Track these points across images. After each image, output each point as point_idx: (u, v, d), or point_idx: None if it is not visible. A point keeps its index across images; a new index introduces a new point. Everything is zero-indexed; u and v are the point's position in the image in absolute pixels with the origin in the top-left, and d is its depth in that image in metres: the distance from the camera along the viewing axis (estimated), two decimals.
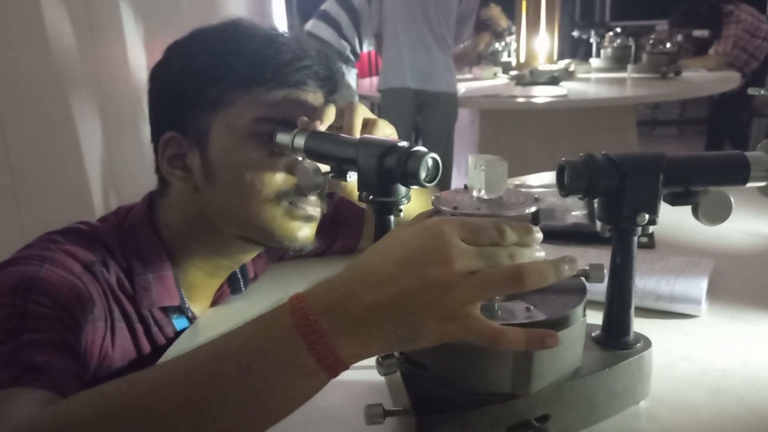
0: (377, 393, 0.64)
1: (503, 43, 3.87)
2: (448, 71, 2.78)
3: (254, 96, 0.75)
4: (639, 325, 0.62)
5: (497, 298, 0.53)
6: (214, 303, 0.89)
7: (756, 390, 0.64)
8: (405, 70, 2.75)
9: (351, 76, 3.00)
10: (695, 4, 3.93)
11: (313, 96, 0.79)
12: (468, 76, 3.60)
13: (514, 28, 3.72)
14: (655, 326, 0.77)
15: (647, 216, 0.57)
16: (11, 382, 0.55)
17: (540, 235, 0.49)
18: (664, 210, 0.58)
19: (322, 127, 0.73)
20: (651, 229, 0.58)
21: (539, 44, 3.47)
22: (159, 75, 0.80)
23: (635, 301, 0.61)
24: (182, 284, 0.81)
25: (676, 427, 0.59)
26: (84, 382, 0.64)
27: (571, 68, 3.30)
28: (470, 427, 0.53)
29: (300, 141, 0.72)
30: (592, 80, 3.31)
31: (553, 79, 3.06)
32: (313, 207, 0.79)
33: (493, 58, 3.86)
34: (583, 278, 0.58)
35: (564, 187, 0.57)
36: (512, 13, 3.70)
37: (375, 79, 3.22)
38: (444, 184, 2.59)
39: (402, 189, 0.65)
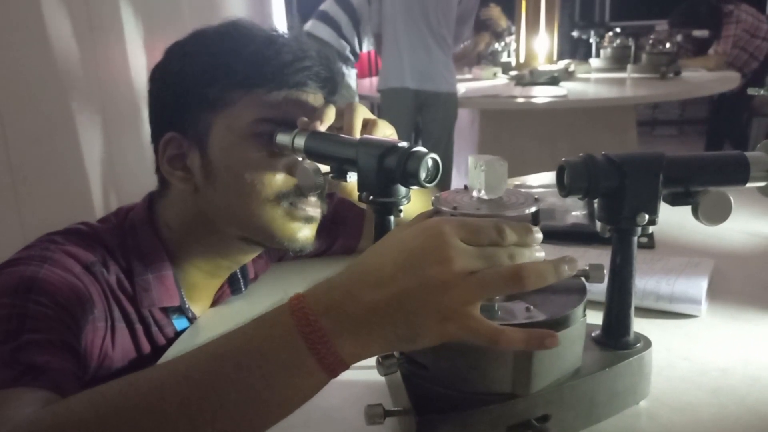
0: (377, 393, 0.64)
1: (503, 44, 3.87)
2: (447, 71, 2.78)
3: (254, 96, 0.75)
4: (639, 325, 0.62)
5: (497, 298, 0.53)
6: (215, 303, 0.89)
7: (756, 390, 0.64)
8: (405, 70, 2.75)
9: (351, 76, 3.00)
10: (695, 4, 3.93)
11: (314, 97, 0.79)
12: (468, 76, 3.60)
13: (513, 28, 3.72)
14: (655, 326, 0.77)
15: (647, 216, 0.57)
16: (11, 383, 0.55)
17: (540, 236, 0.49)
18: (664, 210, 0.58)
19: (322, 128, 0.73)
20: (651, 229, 0.58)
21: (539, 44, 3.47)
22: (159, 75, 0.80)
23: (635, 301, 0.61)
24: (182, 284, 0.81)
25: (676, 427, 0.59)
26: (84, 383, 0.64)
27: (571, 68, 3.30)
28: (470, 427, 0.53)
29: (300, 141, 0.72)
30: (592, 80, 3.31)
31: (553, 80, 3.06)
32: (313, 208, 0.79)
33: (492, 59, 3.86)
34: (583, 278, 0.58)
35: (564, 187, 0.57)
36: (512, 13, 3.70)
37: (375, 80, 3.22)
38: (444, 184, 2.59)
39: (402, 189, 0.65)
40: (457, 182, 3.03)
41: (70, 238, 0.74)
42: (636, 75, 3.31)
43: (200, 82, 0.75)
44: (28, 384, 0.56)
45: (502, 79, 3.40)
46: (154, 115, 0.80)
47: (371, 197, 0.65)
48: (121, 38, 1.38)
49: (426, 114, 2.83)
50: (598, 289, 0.61)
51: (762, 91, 1.97)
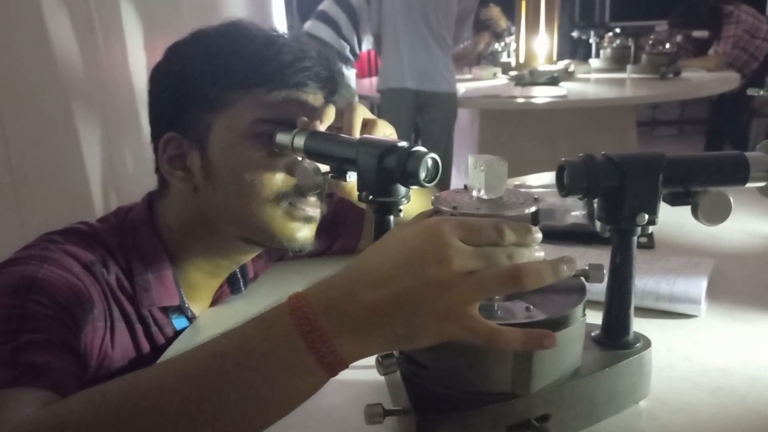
0: (377, 393, 0.64)
1: (503, 44, 3.87)
2: (447, 71, 2.78)
3: (254, 97, 0.75)
4: (639, 325, 0.62)
5: (497, 297, 0.53)
6: (214, 303, 0.89)
7: (756, 390, 0.64)
8: (404, 70, 2.75)
9: (350, 76, 3.00)
10: (695, 4, 3.93)
11: (314, 97, 0.79)
12: (468, 76, 3.60)
13: (513, 29, 3.72)
14: (655, 326, 0.77)
15: (647, 216, 0.57)
16: (11, 383, 0.55)
17: (539, 235, 0.49)
18: (664, 210, 0.58)
19: (322, 127, 0.73)
20: (651, 229, 0.58)
21: (539, 44, 3.47)
22: (159, 76, 0.80)
23: (635, 301, 0.61)
24: (182, 284, 0.81)
25: (676, 427, 0.59)
26: (84, 382, 0.64)
27: (571, 69, 3.30)
28: (470, 427, 0.53)
29: (300, 141, 0.72)
30: (592, 81, 3.31)
31: (553, 80, 3.06)
32: (313, 208, 0.79)
33: (492, 59, 3.86)
34: (582, 278, 0.58)
35: (564, 187, 0.57)
36: (512, 14, 3.70)
37: (375, 80, 3.22)
38: (444, 184, 2.59)
39: (402, 189, 0.65)
40: (457, 182, 3.03)
41: (69, 238, 0.74)
42: (636, 75, 3.31)
43: (200, 82, 0.75)
44: (28, 384, 0.56)
45: (502, 79, 3.40)
46: (154, 115, 0.80)
47: (371, 197, 0.65)
48: (121, 38, 1.38)
49: (426, 114, 2.83)
50: (597, 289, 0.61)
51: (762, 92, 1.97)
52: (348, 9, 2.93)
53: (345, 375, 0.48)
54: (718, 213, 0.58)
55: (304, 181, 0.74)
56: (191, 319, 0.83)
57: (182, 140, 0.77)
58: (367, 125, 0.76)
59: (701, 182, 0.59)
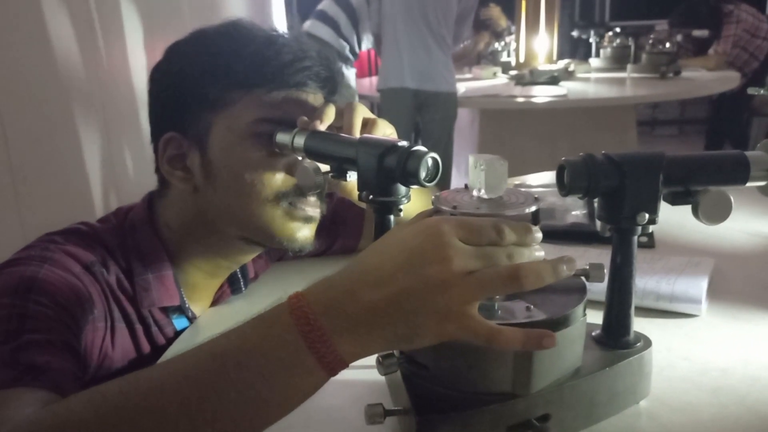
0: (377, 393, 0.64)
1: (503, 43, 3.87)
2: (447, 71, 2.78)
3: (254, 96, 0.75)
4: (639, 325, 0.62)
5: (497, 297, 0.53)
6: (215, 303, 0.89)
7: (756, 390, 0.64)
8: (404, 70, 2.75)
9: (350, 75, 3.00)
10: (695, 4, 3.93)
11: (314, 97, 0.79)
12: (468, 75, 3.60)
13: (513, 28, 3.72)
14: (655, 326, 0.77)
15: (647, 215, 0.57)
16: (11, 383, 0.55)
17: (539, 235, 0.49)
18: (664, 210, 0.58)
19: (322, 127, 0.73)
20: (651, 228, 0.58)
21: (539, 44, 3.47)
22: (159, 75, 0.80)
23: (635, 301, 0.61)
24: (182, 284, 0.81)
25: (676, 427, 0.59)
26: (84, 383, 0.64)
27: (571, 68, 3.30)
28: (470, 426, 0.53)
29: (300, 141, 0.72)
30: (592, 80, 3.31)
31: (553, 79, 3.06)
32: (313, 208, 0.79)
33: (492, 58, 3.86)
34: (583, 278, 0.58)
35: (564, 186, 0.57)
36: (512, 13, 3.70)
37: (375, 79, 3.22)
38: (444, 183, 2.59)
39: (402, 189, 0.65)
40: (457, 182, 3.03)
41: (69, 238, 0.74)
42: (636, 75, 3.31)
43: (200, 82, 0.75)
44: (28, 384, 0.56)
45: (502, 79, 3.40)
46: (153, 115, 0.80)
47: (371, 196, 0.65)
48: (121, 38, 1.38)
49: (425, 114, 2.83)
50: (598, 289, 0.61)
51: (762, 91, 1.97)
52: (347, 8, 2.93)
53: (345, 375, 0.48)
54: (719, 212, 0.58)
55: (304, 181, 0.74)
56: (192, 319, 0.83)
57: (182, 140, 0.77)
58: (367, 125, 0.76)
59: (701, 181, 0.59)
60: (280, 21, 1.99)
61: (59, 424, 0.45)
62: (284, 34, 0.79)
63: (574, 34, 4.51)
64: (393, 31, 2.76)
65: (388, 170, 0.63)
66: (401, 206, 0.66)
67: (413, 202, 0.67)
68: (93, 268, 0.72)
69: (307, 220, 0.79)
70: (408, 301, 0.45)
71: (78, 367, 0.64)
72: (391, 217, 0.66)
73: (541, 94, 2.78)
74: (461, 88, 2.89)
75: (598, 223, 0.60)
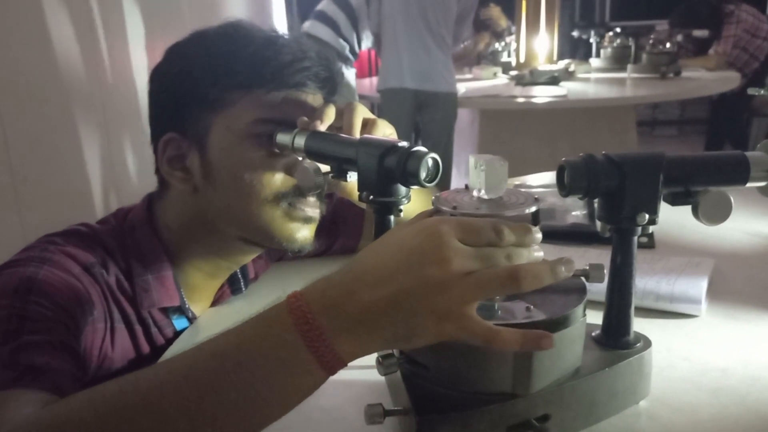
0: (377, 393, 0.64)
1: (503, 43, 3.87)
2: (447, 71, 2.78)
3: (254, 97, 0.75)
4: (639, 325, 0.62)
5: (497, 297, 0.53)
6: (215, 303, 0.89)
7: (756, 390, 0.64)
8: (404, 70, 2.75)
9: (350, 75, 3.00)
10: (695, 4, 3.93)
11: (313, 97, 0.79)
12: (468, 76, 3.60)
13: (513, 28, 3.72)
14: (655, 326, 0.77)
15: (647, 216, 0.57)
16: (11, 383, 0.55)
17: (539, 236, 0.49)
18: (664, 210, 0.58)
19: (322, 127, 0.73)
20: (651, 229, 0.58)
21: (539, 44, 3.47)
22: (159, 76, 0.80)
23: (635, 301, 0.61)
24: (182, 285, 0.81)
25: (676, 427, 0.59)
26: (83, 383, 0.64)
27: (571, 68, 3.30)
28: (470, 427, 0.53)
29: (300, 141, 0.72)
30: (592, 80, 3.31)
31: (553, 79, 3.06)
32: (312, 208, 0.79)
33: (492, 58, 3.86)
34: (583, 278, 0.58)
35: (564, 187, 0.57)
36: (512, 13, 3.70)
37: (375, 79, 3.22)
38: (444, 184, 2.59)
39: (402, 189, 0.65)
40: (457, 182, 3.03)
41: (69, 240, 0.74)
42: (636, 75, 3.30)
43: (200, 82, 0.75)
44: (27, 385, 0.56)
45: (502, 79, 3.40)
46: (153, 116, 0.80)
47: (371, 197, 0.65)
48: (121, 38, 1.38)
49: (425, 114, 2.83)
50: (598, 289, 0.61)
51: (762, 91, 1.97)
52: (347, 8, 2.92)
53: (345, 375, 0.48)
54: (719, 213, 0.58)
55: (304, 182, 0.74)
56: (192, 320, 0.83)
57: (182, 141, 0.77)
58: (367, 125, 0.76)
59: (701, 182, 0.59)
60: (280, 22, 2.00)
61: (59, 423, 0.45)
62: (284, 34, 0.79)
63: (575, 34, 4.51)
64: (392, 31, 2.76)
65: (389, 170, 0.63)
66: (401, 206, 0.66)
67: (413, 202, 0.67)
68: (93, 270, 0.72)
69: (307, 220, 0.79)
70: (407, 301, 0.45)
71: (77, 368, 0.64)
72: (391, 217, 0.66)
73: (541, 95, 2.78)
74: (461, 88, 2.88)
75: (598, 224, 0.60)
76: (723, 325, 0.78)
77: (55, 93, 1.22)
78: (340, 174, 0.70)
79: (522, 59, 3.50)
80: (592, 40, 4.17)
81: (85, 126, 1.28)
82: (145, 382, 0.46)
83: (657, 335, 0.64)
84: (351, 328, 0.46)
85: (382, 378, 0.64)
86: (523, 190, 0.56)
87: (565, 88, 2.90)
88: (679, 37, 3.81)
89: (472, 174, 0.55)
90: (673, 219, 0.75)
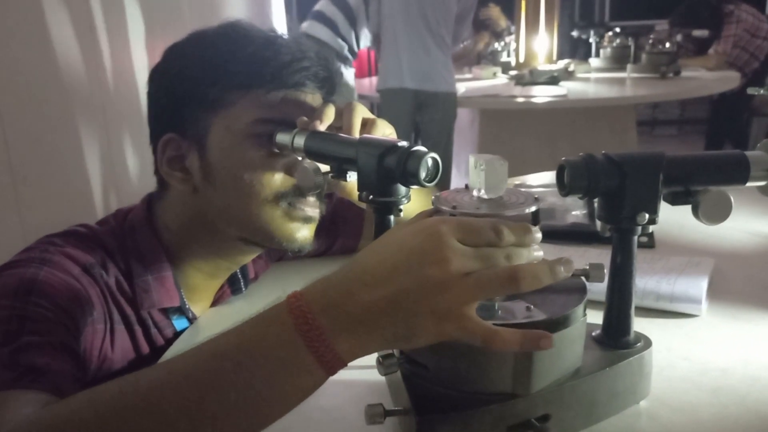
0: (377, 393, 0.64)
1: (503, 43, 3.87)
2: (446, 71, 2.78)
3: (253, 97, 0.75)
4: (639, 325, 0.62)
5: (497, 297, 0.53)
6: (215, 303, 0.89)
7: (756, 390, 0.64)
8: (403, 70, 2.75)
9: (349, 75, 3.00)
10: (695, 4, 3.93)
11: (312, 97, 0.79)
12: (468, 75, 3.60)
13: (513, 28, 3.72)
14: (655, 326, 0.77)
15: (647, 215, 0.57)
16: (10, 384, 0.55)
17: (539, 236, 0.49)
18: (664, 210, 0.58)
19: (322, 127, 0.73)
20: (651, 228, 0.58)
21: (539, 44, 3.47)
22: (158, 77, 0.80)
23: (635, 301, 0.61)
24: (182, 285, 0.81)
25: (676, 427, 0.59)
26: (83, 384, 0.64)
27: (571, 68, 3.30)
28: (470, 427, 0.53)
29: (300, 141, 0.72)
30: (592, 80, 3.31)
31: (553, 79, 3.06)
32: (312, 208, 0.79)
33: (492, 58, 3.86)
34: (583, 278, 0.58)
35: (564, 186, 0.57)
36: (511, 13, 3.70)
37: (374, 79, 3.22)
38: (444, 183, 2.59)
39: (402, 189, 0.65)
40: (457, 182, 3.03)
41: (69, 240, 0.74)
42: (636, 75, 3.30)
43: (199, 83, 0.75)
44: (27, 386, 0.56)
45: (502, 79, 3.40)
46: (152, 117, 0.80)
47: (371, 197, 0.65)
48: (121, 38, 1.38)
49: (425, 114, 2.83)
50: (598, 289, 0.61)
51: (762, 91, 1.97)
52: (345, 8, 2.92)
53: (345, 375, 0.48)
54: (719, 212, 0.57)
55: (304, 182, 0.74)
56: (192, 320, 0.83)
57: (181, 141, 0.77)
58: (366, 125, 0.76)
59: (701, 181, 0.59)
60: (279, 22, 1.99)
61: (59, 424, 0.45)
62: (283, 34, 0.79)
63: (574, 34, 4.51)
64: (392, 31, 2.76)
65: (388, 170, 0.63)
66: (401, 206, 0.66)
67: (413, 202, 0.67)
68: (92, 270, 0.72)
69: (306, 220, 0.79)
70: (406, 301, 0.45)
71: (77, 368, 0.64)
72: (391, 217, 0.66)
73: (541, 94, 2.77)
74: (461, 88, 2.89)
75: (598, 223, 0.60)
76: (723, 325, 0.78)
77: (55, 93, 1.22)
78: (339, 174, 0.70)
79: (522, 59, 3.51)
80: (591, 39, 4.16)
81: (85, 126, 1.28)
82: (145, 382, 0.46)
83: (657, 335, 0.64)
84: (351, 328, 0.46)
85: (382, 378, 0.64)
86: (523, 190, 0.56)
87: (564, 88, 2.90)
88: (679, 37, 3.81)
89: (472, 174, 0.55)
90: (673, 219, 0.75)
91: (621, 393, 0.59)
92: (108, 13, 1.33)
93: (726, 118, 4.04)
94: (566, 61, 3.49)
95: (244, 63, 0.75)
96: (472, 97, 2.85)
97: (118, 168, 1.37)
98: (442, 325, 0.45)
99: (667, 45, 3.39)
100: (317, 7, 2.98)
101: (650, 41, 3.43)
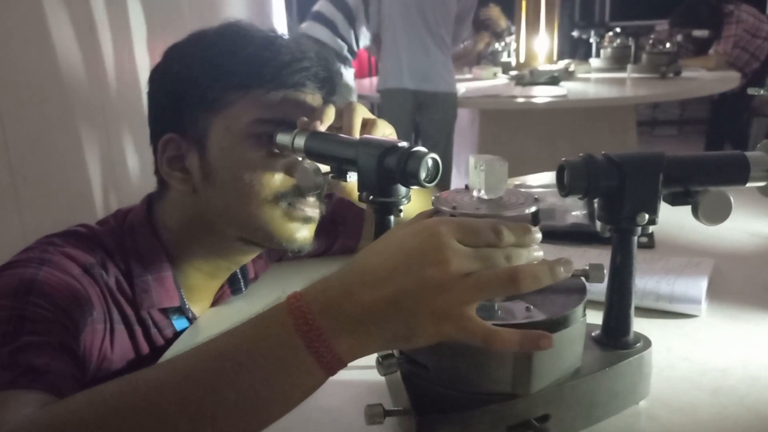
0: (377, 393, 0.64)
1: (503, 43, 3.87)
2: (446, 71, 2.78)
3: (253, 97, 0.75)
4: (639, 325, 0.62)
5: (497, 298, 0.53)
6: (215, 303, 0.89)
7: (756, 390, 0.64)
8: (403, 70, 2.75)
9: (348, 75, 3.00)
10: (695, 4, 3.93)
11: (312, 97, 0.79)
12: (468, 76, 3.60)
13: (513, 28, 3.72)
14: (655, 326, 0.77)
15: (647, 216, 0.57)
16: (10, 384, 0.55)
17: (539, 236, 0.49)
18: (664, 210, 0.58)
19: (322, 128, 0.73)
20: (651, 229, 0.58)
21: (539, 44, 3.47)
22: (158, 77, 0.80)
23: (635, 301, 0.61)
24: (182, 285, 0.81)
25: (676, 427, 0.59)
26: (83, 384, 0.64)
27: (571, 68, 3.30)
28: (470, 427, 0.53)
29: (300, 141, 0.72)
30: (592, 80, 3.31)
31: (553, 79, 3.06)
32: (312, 208, 0.79)
33: (492, 58, 3.86)
34: (583, 278, 0.58)
35: (564, 187, 0.57)
36: (512, 13, 3.70)
37: (374, 80, 3.22)
38: (444, 184, 2.59)
39: (402, 189, 0.65)
40: (457, 182, 3.03)
41: (68, 241, 0.74)
42: (636, 75, 3.31)
43: (199, 83, 0.75)
44: (26, 386, 0.56)
45: (502, 79, 3.40)
46: (152, 117, 0.80)
47: (371, 197, 0.65)
48: (121, 38, 1.38)
49: (425, 114, 2.83)
50: (598, 289, 0.61)
51: (762, 91, 1.97)
52: (344, 8, 2.92)
53: (345, 375, 0.48)
54: (719, 213, 0.57)
55: (304, 182, 0.74)
56: (192, 320, 0.83)
57: (181, 141, 0.77)
58: (366, 125, 0.76)
59: (701, 182, 0.59)
60: (279, 22, 2.00)
61: (58, 424, 0.45)
62: (283, 35, 0.79)
63: (574, 34, 4.52)
64: (392, 31, 2.76)
65: (388, 171, 0.63)
66: (401, 207, 0.66)
67: (413, 202, 0.67)
68: (92, 270, 0.72)
69: (306, 220, 0.79)
70: (406, 302, 0.45)
71: (77, 369, 0.64)
72: (391, 217, 0.66)
73: (541, 95, 2.78)
74: (461, 88, 2.89)
75: (598, 224, 0.60)
76: (723, 325, 0.78)
77: (55, 93, 1.22)
78: (339, 174, 0.70)
79: (522, 59, 3.51)
80: (592, 40, 4.17)
81: (85, 126, 1.28)
82: (145, 382, 0.46)
83: (657, 335, 0.64)
84: (351, 328, 0.46)
85: (382, 378, 0.64)
86: (523, 190, 0.56)
87: (565, 88, 2.90)
88: (679, 37, 3.81)
89: (472, 174, 0.55)
90: (673, 219, 0.75)
91: (621, 393, 0.59)
92: (108, 13, 1.33)
93: (726, 119, 4.04)
94: (566, 61, 3.50)
95: (244, 63, 0.75)
96: (472, 98, 2.85)
97: (118, 168, 1.37)
98: (442, 325, 0.45)
99: (668, 45, 3.39)
100: (316, 7, 2.98)
101: (650, 41, 3.43)
